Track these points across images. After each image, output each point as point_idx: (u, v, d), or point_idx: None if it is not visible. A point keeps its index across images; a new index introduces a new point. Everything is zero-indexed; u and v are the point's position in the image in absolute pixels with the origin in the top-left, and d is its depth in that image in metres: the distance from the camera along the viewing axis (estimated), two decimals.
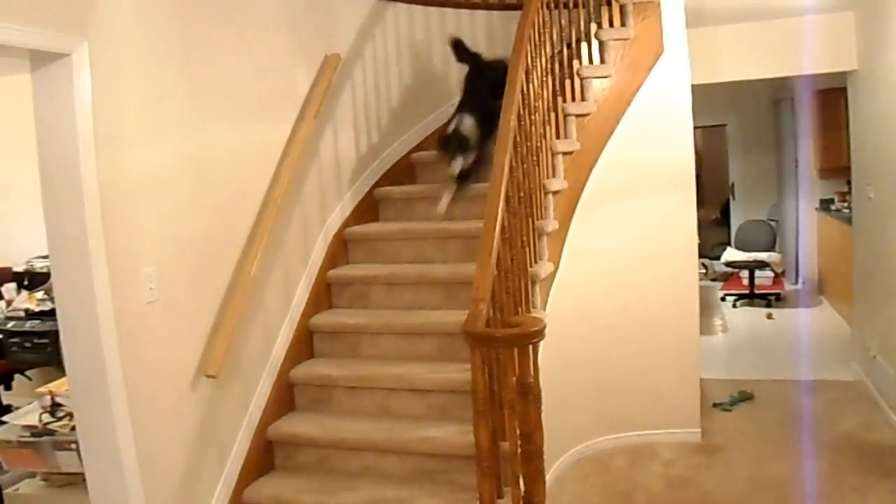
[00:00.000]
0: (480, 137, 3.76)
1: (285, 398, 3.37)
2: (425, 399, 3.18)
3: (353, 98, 4.03)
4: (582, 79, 3.73)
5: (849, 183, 5.51)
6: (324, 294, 3.71)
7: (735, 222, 9.11)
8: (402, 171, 4.37)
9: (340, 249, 3.88)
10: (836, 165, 6.58)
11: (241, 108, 3.18)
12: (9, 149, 4.40)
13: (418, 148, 4.49)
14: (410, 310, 3.55)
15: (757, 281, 7.82)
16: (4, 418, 3.33)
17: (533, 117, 3.23)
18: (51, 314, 3.76)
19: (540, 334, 2.33)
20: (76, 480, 3.01)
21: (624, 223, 4.14)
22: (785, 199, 8.71)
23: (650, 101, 4.02)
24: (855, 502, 3.41)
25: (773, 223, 8.63)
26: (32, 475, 3.29)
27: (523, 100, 3.11)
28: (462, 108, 3.91)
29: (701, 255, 4.96)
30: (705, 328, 6.44)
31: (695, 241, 4.30)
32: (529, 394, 2.34)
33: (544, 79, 3.44)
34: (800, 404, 4.74)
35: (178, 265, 2.77)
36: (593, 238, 3.99)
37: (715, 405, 4.75)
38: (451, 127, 3.79)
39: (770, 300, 7.63)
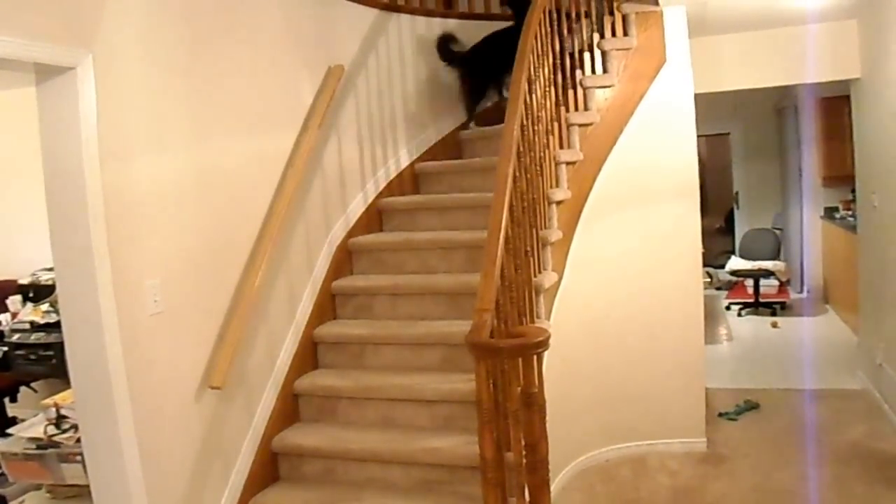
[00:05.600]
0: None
1: (290, 409, 3.36)
2: (430, 410, 3.18)
3: (356, 109, 4.04)
4: (585, 88, 3.74)
5: (853, 191, 5.50)
6: (328, 305, 3.71)
7: (739, 231, 9.09)
8: (406, 182, 4.38)
9: (345, 260, 3.88)
10: (841, 174, 6.58)
11: (245, 119, 3.20)
12: (14, 161, 4.43)
13: (422, 158, 4.50)
14: (415, 320, 3.55)
15: (762, 290, 7.78)
16: (10, 430, 3.33)
17: (536, 127, 3.24)
18: (56, 326, 3.76)
19: (544, 344, 2.32)
20: (82, 492, 3.01)
21: (627, 232, 4.14)
22: (789, 207, 8.69)
23: (653, 110, 4.03)
24: None
25: (777, 232, 8.61)
26: (38, 487, 3.30)
27: (526, 110, 3.12)
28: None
29: (705, 264, 4.94)
30: (710, 337, 6.41)
31: (699, 249, 4.29)
32: (534, 404, 2.34)
33: (547, 89, 3.46)
34: (805, 413, 4.72)
35: (183, 277, 2.78)
36: (597, 247, 3.98)
37: (720, 415, 4.73)
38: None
39: (775, 309, 7.60)
